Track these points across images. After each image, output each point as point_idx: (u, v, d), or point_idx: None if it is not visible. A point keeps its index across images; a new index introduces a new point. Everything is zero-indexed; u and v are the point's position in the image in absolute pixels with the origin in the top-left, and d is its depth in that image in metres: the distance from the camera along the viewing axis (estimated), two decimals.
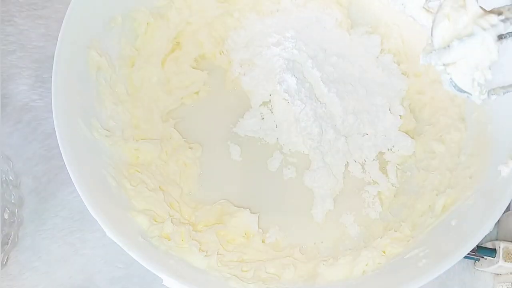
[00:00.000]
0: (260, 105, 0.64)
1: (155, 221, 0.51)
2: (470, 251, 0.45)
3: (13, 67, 0.66)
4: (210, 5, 0.66)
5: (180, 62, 0.65)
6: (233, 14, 0.67)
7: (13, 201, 0.58)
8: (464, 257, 0.45)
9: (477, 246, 0.56)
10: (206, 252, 0.51)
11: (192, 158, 0.61)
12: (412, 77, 0.65)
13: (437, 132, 0.61)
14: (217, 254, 0.51)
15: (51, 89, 0.48)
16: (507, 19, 0.35)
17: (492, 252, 0.55)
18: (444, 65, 0.38)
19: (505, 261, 0.54)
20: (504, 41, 0.36)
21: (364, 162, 0.62)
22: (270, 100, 0.64)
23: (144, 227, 0.50)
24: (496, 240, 0.57)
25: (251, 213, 0.58)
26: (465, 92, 0.39)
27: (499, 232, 0.58)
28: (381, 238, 0.55)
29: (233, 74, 0.66)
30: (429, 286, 0.44)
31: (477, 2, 0.36)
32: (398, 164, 0.62)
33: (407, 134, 0.62)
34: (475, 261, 0.58)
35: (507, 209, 0.48)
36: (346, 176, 0.61)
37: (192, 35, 0.66)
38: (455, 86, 0.39)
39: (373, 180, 0.61)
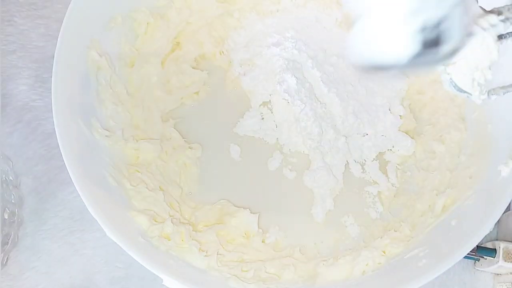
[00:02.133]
0: (260, 105, 0.64)
1: (155, 221, 0.51)
2: (470, 251, 0.45)
3: (13, 67, 0.66)
4: (210, 5, 0.66)
5: (180, 62, 0.65)
6: (233, 14, 0.67)
7: (13, 201, 0.58)
8: (464, 257, 0.45)
9: (477, 246, 0.56)
10: (206, 252, 0.51)
11: (192, 158, 0.61)
12: (412, 77, 0.65)
13: (437, 132, 0.60)
14: (217, 254, 0.51)
15: (51, 89, 0.48)
16: (507, 19, 0.35)
17: (492, 252, 0.55)
18: (444, 65, 0.38)
19: (505, 261, 0.54)
20: (504, 41, 0.36)
21: (364, 162, 0.62)
22: (270, 100, 0.64)
23: (144, 227, 0.50)
24: (496, 240, 0.57)
25: (251, 213, 0.58)
26: (465, 92, 0.39)
27: (499, 232, 0.58)
28: (381, 238, 0.55)
29: (233, 74, 0.65)
30: (429, 286, 0.44)
31: (477, 2, 0.36)
32: (398, 164, 0.62)
33: (407, 134, 0.62)
34: (475, 261, 0.58)
35: (507, 209, 0.48)
36: (346, 176, 0.61)
37: (192, 35, 0.66)
38: (455, 86, 0.39)
39: (373, 180, 0.61)
